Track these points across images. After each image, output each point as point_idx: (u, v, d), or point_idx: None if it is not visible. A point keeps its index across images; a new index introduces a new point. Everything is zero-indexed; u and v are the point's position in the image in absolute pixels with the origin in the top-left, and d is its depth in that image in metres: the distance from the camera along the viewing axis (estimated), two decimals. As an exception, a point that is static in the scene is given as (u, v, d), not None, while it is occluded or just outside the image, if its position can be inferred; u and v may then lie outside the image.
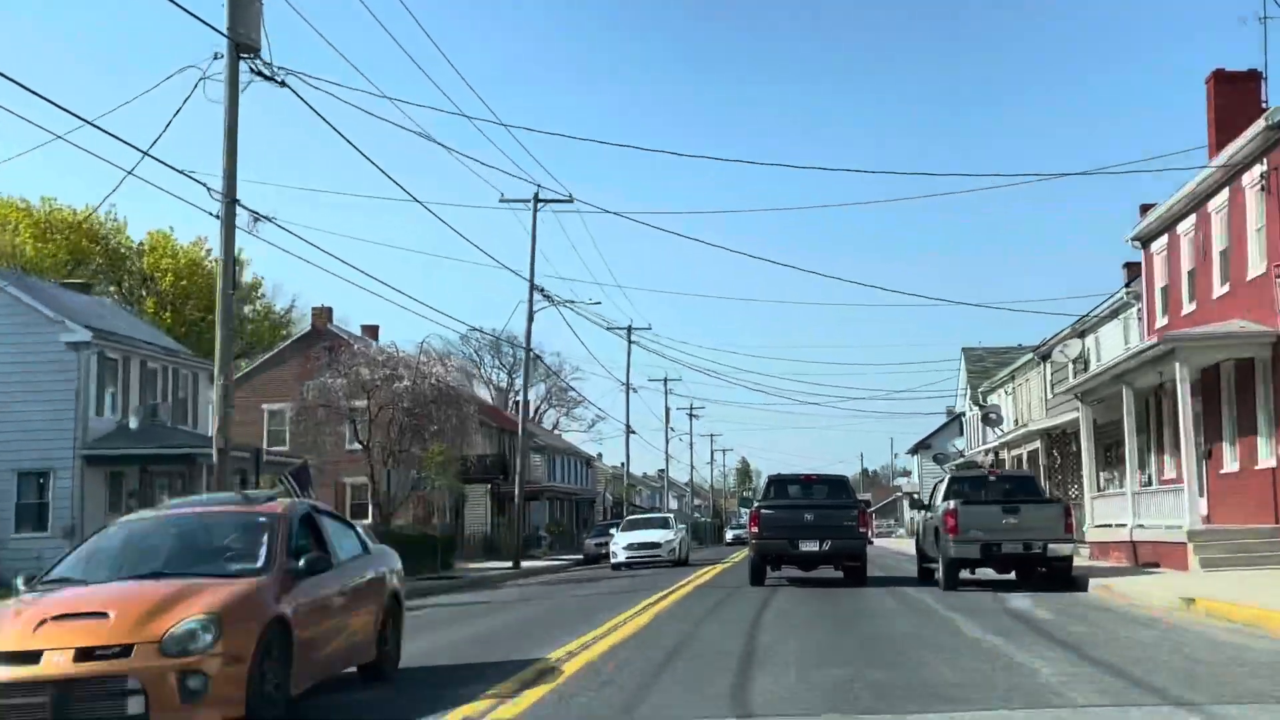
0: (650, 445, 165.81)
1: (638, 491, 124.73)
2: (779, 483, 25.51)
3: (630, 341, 72.45)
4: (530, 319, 44.02)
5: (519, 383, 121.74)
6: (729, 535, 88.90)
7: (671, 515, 51.85)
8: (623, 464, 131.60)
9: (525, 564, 44.90)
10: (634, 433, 77.08)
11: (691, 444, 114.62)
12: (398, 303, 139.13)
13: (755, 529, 23.12)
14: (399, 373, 41.06)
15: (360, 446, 40.64)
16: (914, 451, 79.93)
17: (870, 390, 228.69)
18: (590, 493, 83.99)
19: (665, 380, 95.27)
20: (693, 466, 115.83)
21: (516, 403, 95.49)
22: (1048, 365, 37.90)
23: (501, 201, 43.86)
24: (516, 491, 44.68)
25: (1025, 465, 37.69)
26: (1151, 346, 23.42)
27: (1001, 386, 45.98)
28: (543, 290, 44.25)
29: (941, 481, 25.21)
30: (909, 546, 54.61)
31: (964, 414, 55.85)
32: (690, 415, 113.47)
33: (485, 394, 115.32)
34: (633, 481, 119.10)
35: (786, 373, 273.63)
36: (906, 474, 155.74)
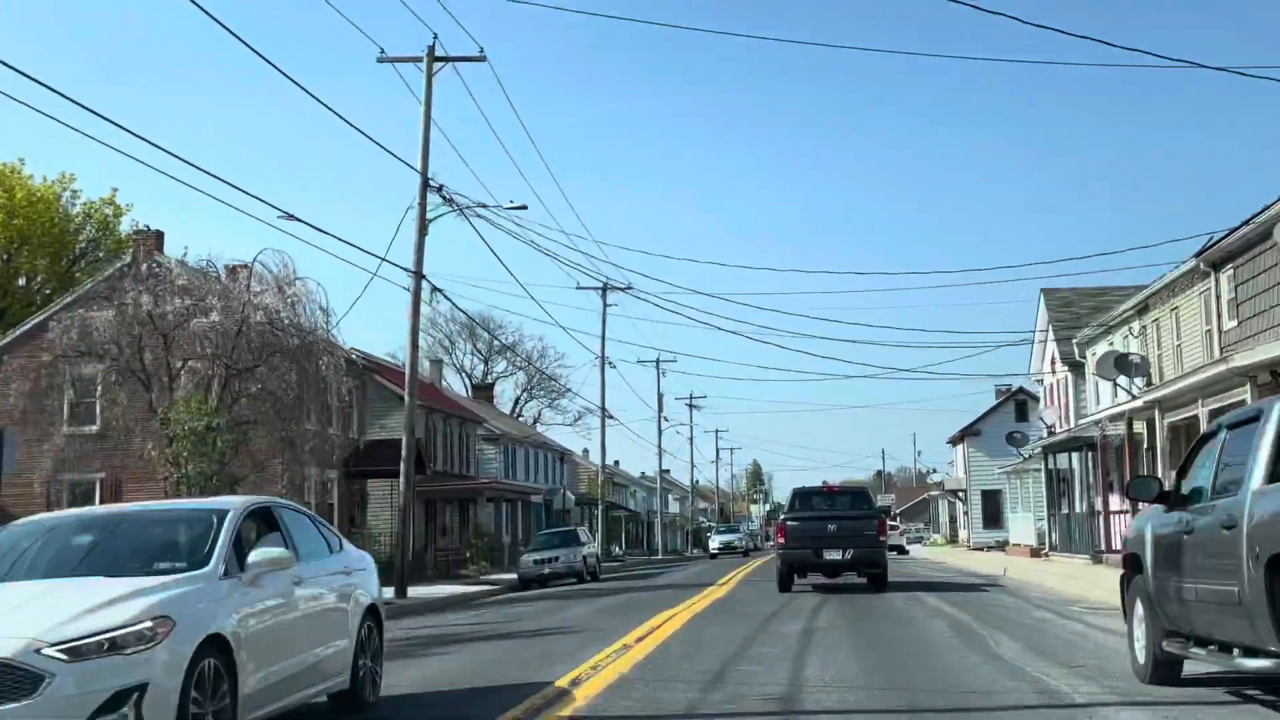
0: (650, 443, 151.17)
1: (631, 494, 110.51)
2: (803, 495, 26.38)
3: (606, 304, 58.35)
4: (422, 229, 29.74)
5: (498, 370, 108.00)
6: (714, 544, 70.92)
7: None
8: (615, 462, 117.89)
9: (429, 590, 31.06)
10: (611, 418, 62.99)
11: (691, 438, 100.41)
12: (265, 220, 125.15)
13: (782, 539, 24.69)
14: (207, 303, 26.90)
15: (157, 417, 26.48)
16: (957, 440, 65.23)
17: (896, 370, 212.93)
18: (567, 494, 69.63)
19: (657, 362, 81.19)
20: (693, 464, 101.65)
21: (484, 388, 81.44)
22: (1219, 279, 23.35)
23: (381, 60, 29.89)
24: (402, 485, 30.33)
25: (1183, 438, 23.13)
26: None
27: (1115, 331, 31.37)
28: (441, 190, 29.95)
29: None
30: (959, 559, 40.05)
31: (1043, 379, 41.07)
32: (690, 406, 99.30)
33: (459, 383, 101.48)
34: (622, 480, 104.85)
35: (801, 364, 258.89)
36: (929, 472, 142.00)
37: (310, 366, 28.44)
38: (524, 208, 30.88)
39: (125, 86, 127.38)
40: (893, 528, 64.81)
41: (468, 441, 53.62)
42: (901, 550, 60.77)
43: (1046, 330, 39.21)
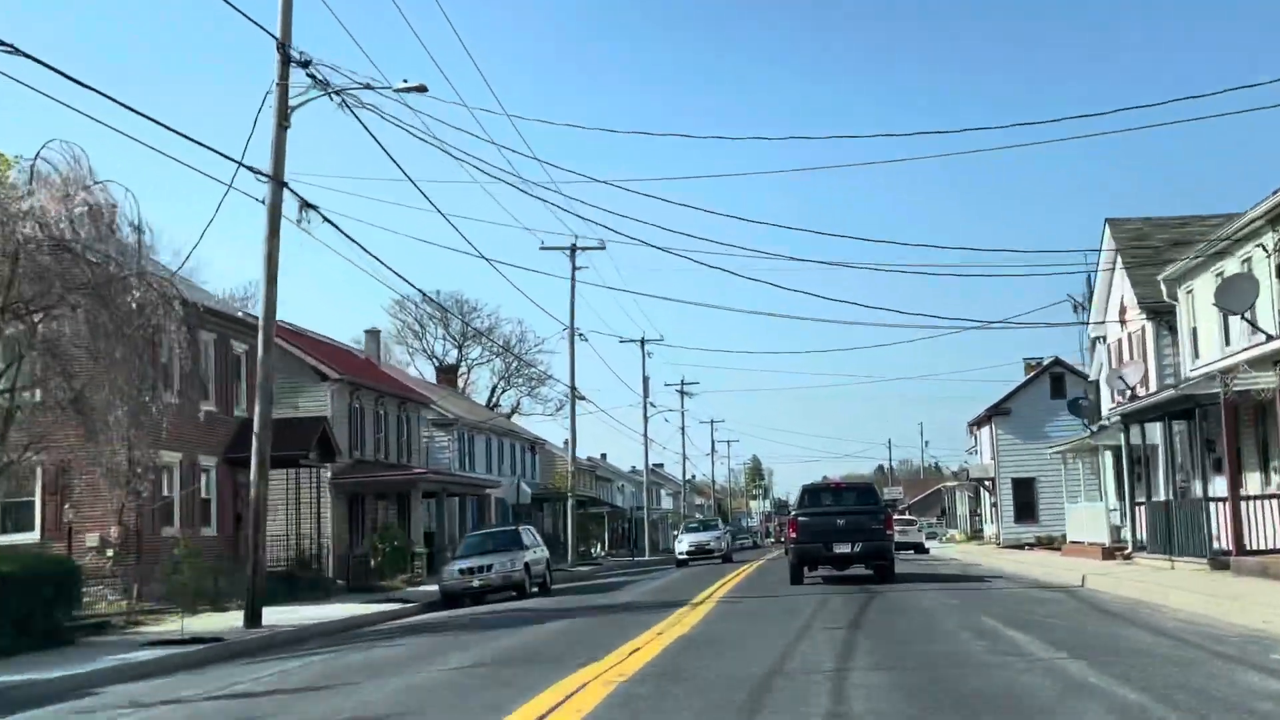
0: (638, 434, 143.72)
1: (618, 489, 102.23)
2: (812, 491, 28.10)
3: (575, 265, 50.12)
4: (282, 118, 21.53)
5: (472, 356, 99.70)
6: (681, 546, 51.42)
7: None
8: (601, 455, 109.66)
9: (312, 612, 23.20)
10: (583, 398, 54.74)
11: (683, 427, 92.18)
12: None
13: (794, 534, 25.97)
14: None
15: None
16: (982, 422, 56.92)
17: (912, 330, 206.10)
18: (535, 490, 61.31)
19: (642, 341, 72.96)
20: (684, 456, 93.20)
21: (448, 370, 73.15)
22: None
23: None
24: (253, 473, 22.01)
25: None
26: None
27: (1227, 258, 23.12)
28: (308, 65, 21.66)
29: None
30: (999, 560, 32.18)
31: (1103, 336, 32.87)
32: (681, 393, 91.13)
33: (428, 370, 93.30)
34: (607, 474, 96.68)
35: (802, 341, 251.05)
36: (930, 467, 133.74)
37: (122, 304, 20.09)
38: (422, 89, 22.48)
39: None
40: (908, 523, 56.59)
41: (409, 426, 45.39)
42: (919, 548, 52.56)
43: (1113, 270, 30.95)
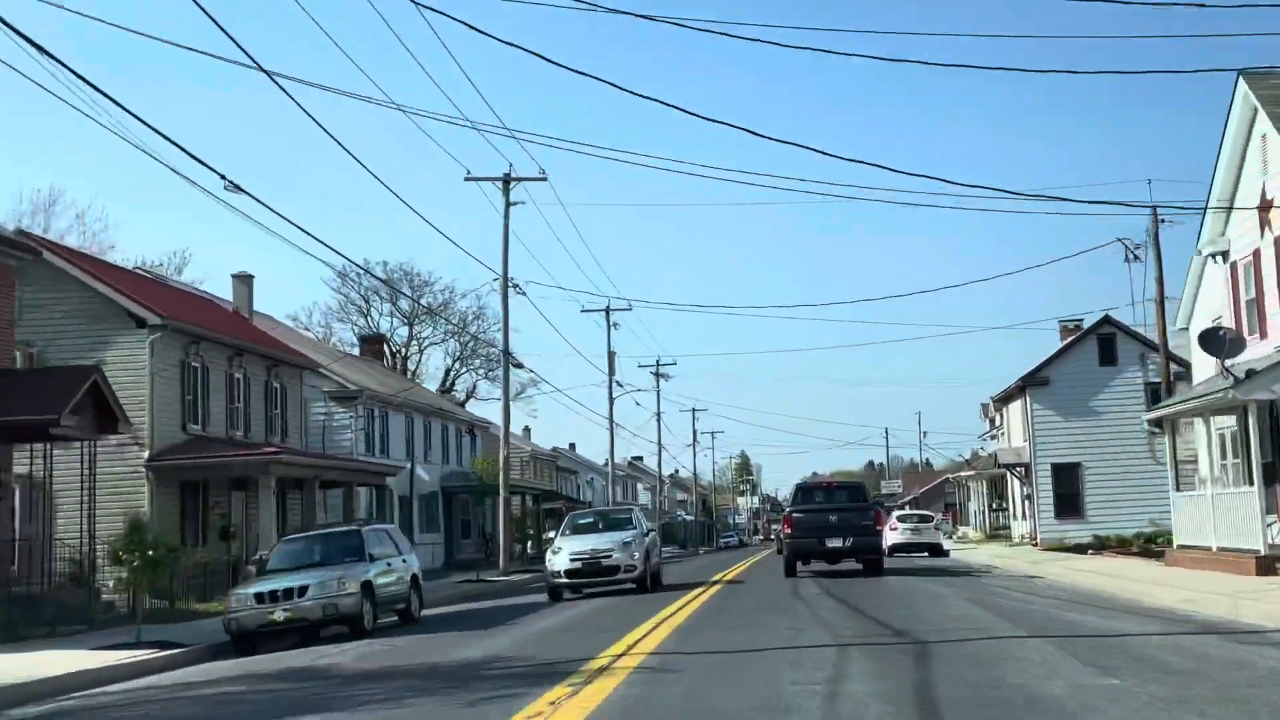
0: (634, 435, 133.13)
1: (587, 482, 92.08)
2: (805, 490, 29.97)
3: (509, 201, 39.91)
4: None
5: (425, 335, 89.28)
6: (558, 564, 23.52)
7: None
8: (570, 445, 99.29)
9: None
10: (519, 365, 44.77)
11: (659, 413, 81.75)
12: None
13: (788, 530, 27.72)
14: None
15: None
16: (1013, 395, 46.70)
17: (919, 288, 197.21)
18: (472, 481, 51.07)
19: (608, 311, 62.83)
20: (660, 446, 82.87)
21: (372, 339, 62.84)
22: None
23: None
24: None
25: None
26: None
27: None
28: None
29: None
30: (1060, 571, 21.37)
31: (1222, 253, 22.62)
32: (656, 375, 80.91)
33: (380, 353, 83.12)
34: (569, 465, 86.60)
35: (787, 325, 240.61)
36: (923, 463, 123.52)
37: None
38: None
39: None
40: (921, 520, 46.51)
41: (283, 396, 35.16)
42: (937, 550, 42.54)
43: (1247, 141, 20.80)
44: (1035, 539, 42.52)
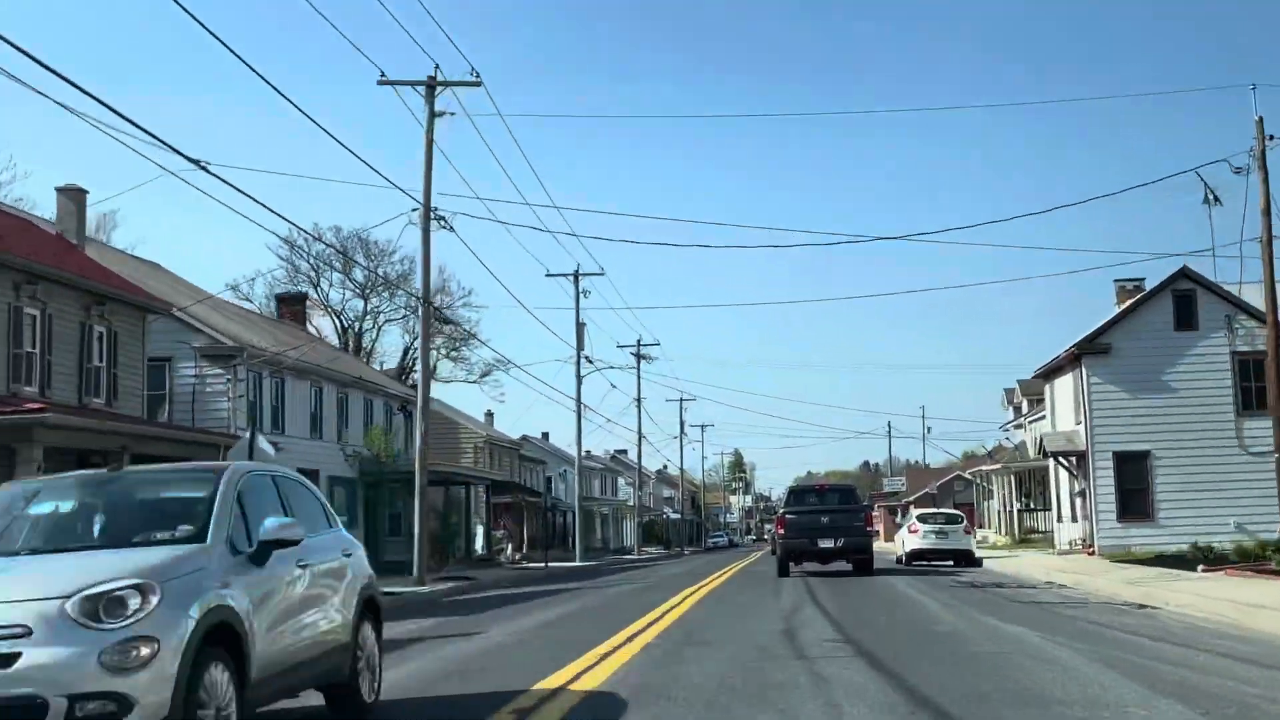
0: (620, 425, 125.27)
1: (559, 476, 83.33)
2: (798, 492, 31.06)
3: (434, 112, 31.22)
4: None
5: (384, 309, 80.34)
6: None
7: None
8: (543, 434, 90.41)
9: None
10: (445, 319, 36.97)
11: (639, 399, 73.06)
12: None
13: (782, 531, 28.33)
14: None
15: None
16: (1059, 370, 37.92)
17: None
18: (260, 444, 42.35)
19: (576, 275, 54.39)
20: (641, 435, 74.05)
21: (292, 299, 53.98)
22: None
23: None
24: None
25: None
26: None
27: None
28: None
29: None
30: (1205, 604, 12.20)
31: None
32: (637, 356, 72.28)
33: (328, 329, 74.56)
34: (535, 454, 77.78)
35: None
36: (917, 464, 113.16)
37: None
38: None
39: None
40: (948, 521, 37.67)
41: (115, 346, 26.40)
42: (969, 559, 33.90)
43: None
44: (1090, 545, 33.88)
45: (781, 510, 30.13)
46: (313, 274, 72.72)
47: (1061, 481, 37.69)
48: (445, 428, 55.68)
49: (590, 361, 55.66)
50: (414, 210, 31.64)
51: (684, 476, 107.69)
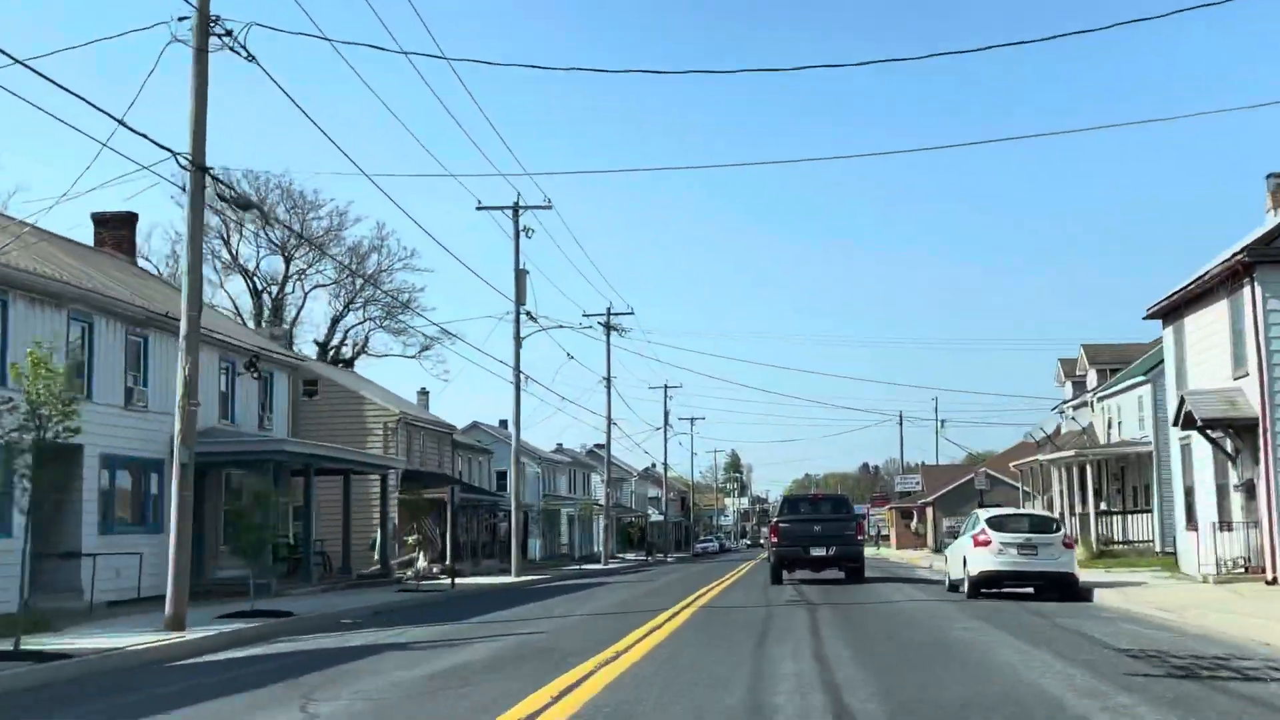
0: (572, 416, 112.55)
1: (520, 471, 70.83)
2: (791, 501, 32.38)
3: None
4: None
5: (313, 273, 67.17)
6: None
7: None
8: (501, 423, 77.75)
9: None
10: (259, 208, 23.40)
11: (609, 378, 60.54)
12: None
13: (775, 539, 28.83)
14: None
15: None
16: (1209, 295, 25.01)
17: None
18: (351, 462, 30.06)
19: (516, 209, 42.08)
20: (610, 421, 61.38)
21: (113, 221, 41.15)
22: None
23: None
24: None
25: None
26: None
27: None
28: None
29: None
30: None
31: None
32: (607, 326, 59.92)
33: (246, 296, 62.40)
34: (483, 443, 65.13)
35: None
36: (914, 466, 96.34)
37: None
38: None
39: None
40: (1041, 527, 24.85)
41: None
42: (1068, 586, 21.51)
43: None
44: (1264, 567, 21.47)
45: (775, 519, 30.57)
46: (223, 228, 60.56)
47: (1205, 466, 24.97)
48: (344, 401, 43.23)
49: (533, 319, 43.13)
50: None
51: (668, 473, 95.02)
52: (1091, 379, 43.72)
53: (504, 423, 71.69)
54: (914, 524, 76.00)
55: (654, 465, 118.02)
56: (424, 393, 57.18)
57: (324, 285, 62.40)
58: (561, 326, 56.47)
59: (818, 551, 27.51)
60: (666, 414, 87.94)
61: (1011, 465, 51.71)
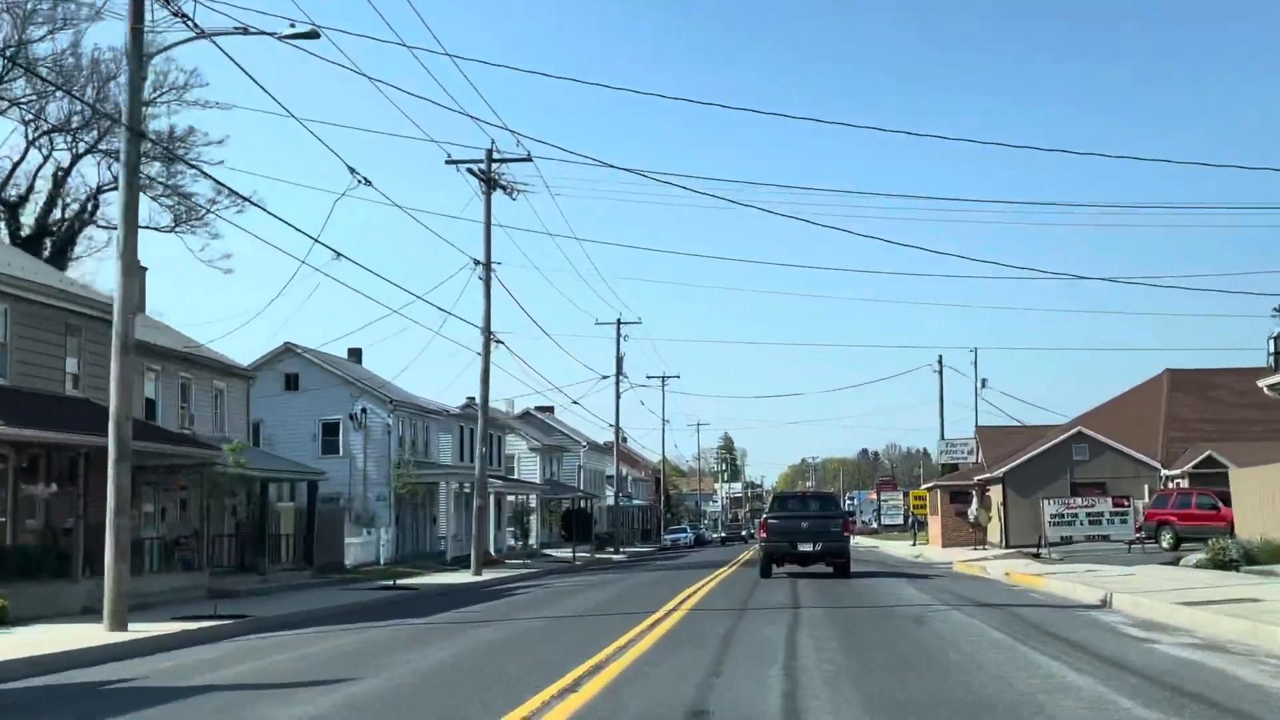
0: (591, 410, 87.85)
1: (357, 424, 46.47)
2: (780, 498, 34.15)
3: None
4: None
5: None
6: None
7: None
8: (348, 350, 51.59)
9: None
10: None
11: (489, 261, 36.25)
12: None
13: (764, 534, 29.21)
14: None
15: None
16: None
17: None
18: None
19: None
20: (489, 333, 37.21)
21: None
22: None
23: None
24: None
25: None
26: None
27: None
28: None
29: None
30: None
31: None
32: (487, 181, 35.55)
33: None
34: (419, 410, 39.85)
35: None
36: (913, 454, 70.58)
37: None
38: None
39: None
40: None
41: None
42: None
43: None
44: None
45: (765, 515, 30.98)
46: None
47: None
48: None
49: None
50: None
51: (619, 438, 70.68)
52: None
53: (355, 352, 47.46)
54: (973, 509, 52.03)
55: (625, 440, 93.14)
56: (351, 355, 32.81)
57: (20, 102, 38.25)
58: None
59: (805, 547, 27.88)
60: (620, 360, 63.68)
61: (1266, 385, 26.05)
